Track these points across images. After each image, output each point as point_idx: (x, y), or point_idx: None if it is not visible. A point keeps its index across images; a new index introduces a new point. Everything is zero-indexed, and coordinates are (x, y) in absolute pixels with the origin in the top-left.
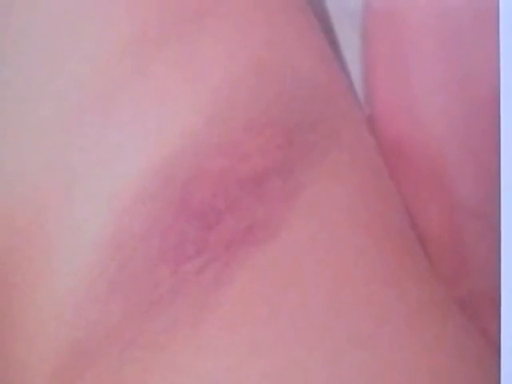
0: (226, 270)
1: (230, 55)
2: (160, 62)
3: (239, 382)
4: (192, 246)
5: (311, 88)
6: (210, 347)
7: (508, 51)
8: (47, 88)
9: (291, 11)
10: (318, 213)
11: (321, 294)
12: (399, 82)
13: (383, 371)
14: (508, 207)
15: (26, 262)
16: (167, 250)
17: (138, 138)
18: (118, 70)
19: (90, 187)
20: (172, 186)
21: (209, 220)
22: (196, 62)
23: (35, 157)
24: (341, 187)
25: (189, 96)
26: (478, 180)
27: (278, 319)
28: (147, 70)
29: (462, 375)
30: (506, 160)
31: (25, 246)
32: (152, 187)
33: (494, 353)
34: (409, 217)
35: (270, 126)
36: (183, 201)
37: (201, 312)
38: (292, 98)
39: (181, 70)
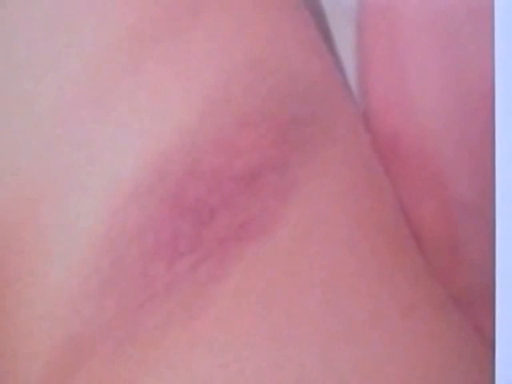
0: (220, 266)
1: (224, 51)
2: (154, 59)
3: (233, 377)
4: (186, 242)
5: (305, 84)
6: (204, 343)
7: (503, 47)
8: (41, 84)
9: (286, 7)
10: (312, 209)
11: (314, 290)
12: (394, 77)
13: (377, 367)
14: (503, 203)
15: (19, 258)
16: (161, 247)
17: (132, 135)
18: (112, 66)
19: (84, 183)
20: (166, 182)
21: (203, 216)
22: (190, 59)
23: (29, 153)
24: (335, 183)
25: (183, 92)
26: (473, 176)
27: (272, 315)
28: (141, 66)
29: (456, 371)
30: (501, 156)
31: (19, 242)
32: (146, 183)
33: (488, 349)
34: (403, 213)
35: (264, 122)
36: (177, 197)
37: (195, 308)
38: (286, 94)
39: (175, 66)
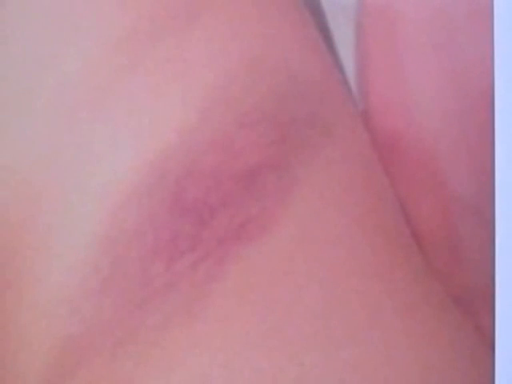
0: (220, 265)
1: (224, 50)
2: (153, 58)
3: (233, 377)
4: (185, 241)
5: (305, 83)
6: (203, 343)
7: (502, 47)
8: (40, 84)
9: (285, 6)
10: (312, 209)
11: (314, 290)
12: (393, 77)
13: (376, 366)
14: (502, 202)
15: (19, 258)
16: (161, 246)
17: (131, 134)
18: (111, 65)
19: (84, 183)
20: (166, 181)
21: (202, 216)
22: (189, 58)
23: (29, 153)
24: (334, 183)
25: (182, 91)
26: (473, 175)
27: (271, 315)
28: (140, 65)
29: (455, 370)
30: (501, 155)
31: (18, 242)
32: (146, 183)
33: (488, 348)
34: (403, 212)
35: (263, 122)
36: (177, 197)
37: (194, 308)
38: (286, 94)
39: (174, 66)
